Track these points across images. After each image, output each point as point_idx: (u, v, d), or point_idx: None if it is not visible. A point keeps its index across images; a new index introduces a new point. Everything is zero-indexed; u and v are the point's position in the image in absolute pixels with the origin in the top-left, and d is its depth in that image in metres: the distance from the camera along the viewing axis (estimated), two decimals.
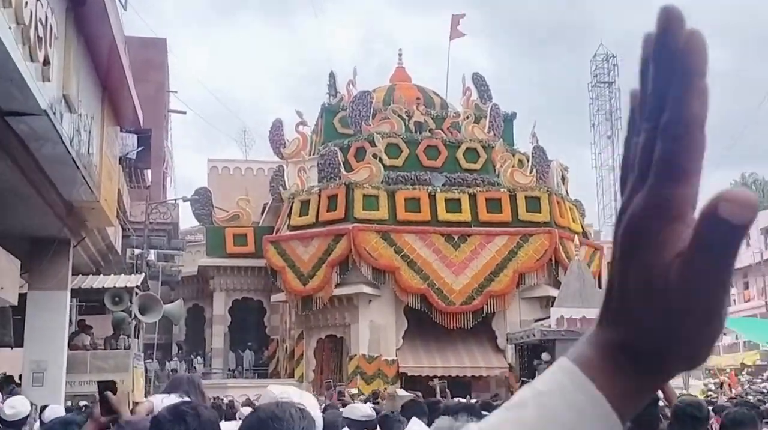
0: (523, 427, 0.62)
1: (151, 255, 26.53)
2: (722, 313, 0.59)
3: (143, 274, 20.50)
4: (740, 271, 50.44)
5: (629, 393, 0.63)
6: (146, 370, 21.73)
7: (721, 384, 24.43)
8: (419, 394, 17.66)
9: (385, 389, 23.82)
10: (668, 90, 0.58)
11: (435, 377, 25.63)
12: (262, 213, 34.11)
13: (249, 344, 34.45)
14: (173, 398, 5.31)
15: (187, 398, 5.21)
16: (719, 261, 0.57)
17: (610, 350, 0.63)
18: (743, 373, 38.87)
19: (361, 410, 6.58)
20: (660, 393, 6.09)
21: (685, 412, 4.56)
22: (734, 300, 51.51)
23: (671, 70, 0.58)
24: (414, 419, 4.31)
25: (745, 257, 49.80)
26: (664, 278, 0.58)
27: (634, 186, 0.61)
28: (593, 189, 61.38)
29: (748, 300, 50.22)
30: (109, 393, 3.62)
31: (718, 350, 47.68)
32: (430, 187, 28.50)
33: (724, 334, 48.37)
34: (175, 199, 31.97)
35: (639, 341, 0.61)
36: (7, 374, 16.04)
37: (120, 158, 22.43)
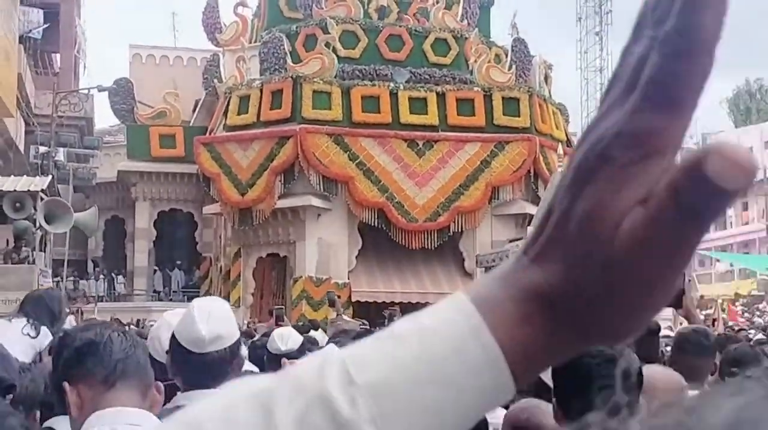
0: (395, 364, 0.59)
1: (60, 154, 25.75)
2: (669, 290, 0.56)
3: (50, 176, 19.95)
4: None
5: (533, 352, 0.59)
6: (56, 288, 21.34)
7: (713, 320, 24.77)
8: (365, 322, 17.62)
9: (336, 316, 23.85)
10: None
11: (393, 303, 25.73)
12: (194, 110, 33.52)
13: (178, 262, 34.21)
14: (18, 322, 5.03)
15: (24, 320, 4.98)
16: (688, 229, 0.54)
17: (524, 293, 0.59)
18: (737, 304, 39.73)
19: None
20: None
21: (689, 340, 4.49)
22: (731, 223, 52.40)
23: None
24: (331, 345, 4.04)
25: None
26: (613, 226, 0.55)
27: (616, 100, 0.57)
28: (577, 93, 61.28)
29: (746, 223, 51.05)
30: None
31: (710, 278, 48.69)
32: (391, 84, 28.03)
33: (718, 261, 49.30)
34: (89, 89, 31.04)
35: (561, 291, 0.57)
36: None
37: (21, 37, 21.55)
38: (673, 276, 0.56)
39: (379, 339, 0.62)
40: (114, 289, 32.75)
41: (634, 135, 0.55)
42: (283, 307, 22.92)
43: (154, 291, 33.17)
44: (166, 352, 3.12)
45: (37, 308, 5.64)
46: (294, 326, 14.06)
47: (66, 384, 2.37)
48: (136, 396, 2.39)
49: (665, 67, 0.54)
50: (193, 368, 2.90)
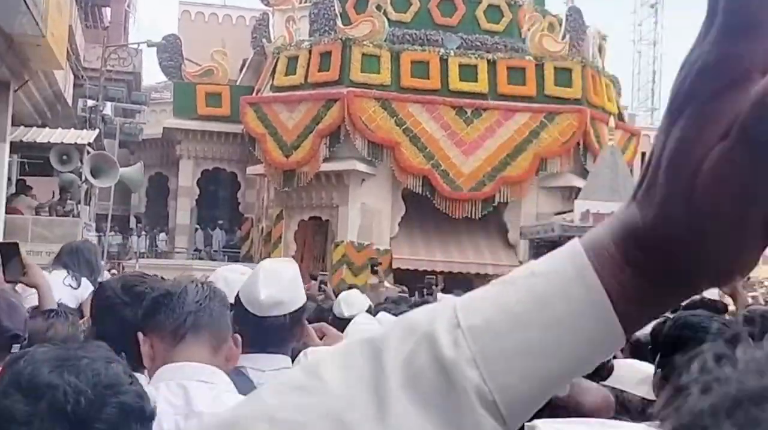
0: (502, 308, 0.60)
1: (108, 108, 25.73)
2: (757, 231, 0.55)
3: (97, 130, 19.93)
4: None
5: (637, 295, 0.59)
6: (100, 243, 21.43)
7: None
8: (405, 289, 17.48)
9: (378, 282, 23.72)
10: None
11: (433, 272, 25.55)
12: (241, 69, 33.37)
13: (219, 222, 34.24)
14: (58, 274, 4.97)
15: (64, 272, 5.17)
16: (760, 164, 0.53)
17: (623, 232, 0.59)
18: None
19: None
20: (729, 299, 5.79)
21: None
22: None
23: None
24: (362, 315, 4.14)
25: None
26: (696, 164, 0.55)
27: (701, 32, 0.56)
28: (628, 66, 60.22)
29: None
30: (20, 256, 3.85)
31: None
32: (442, 50, 27.61)
33: None
34: (138, 44, 30.98)
35: (653, 229, 0.58)
36: None
37: None
38: (757, 215, 0.54)
39: (493, 284, 0.63)
40: (156, 246, 32.83)
41: (716, 65, 0.54)
42: (326, 273, 22.82)
43: (195, 249, 33.22)
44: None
45: (75, 260, 5.55)
46: (333, 291, 13.96)
47: (140, 334, 2.36)
48: (206, 350, 2.34)
49: None
50: (252, 330, 2.81)
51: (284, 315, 2.88)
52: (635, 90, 57.21)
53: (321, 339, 3.41)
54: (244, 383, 2.61)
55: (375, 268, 22.61)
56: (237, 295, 2.94)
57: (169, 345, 2.33)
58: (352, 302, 5.56)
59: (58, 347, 1.45)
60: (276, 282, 2.89)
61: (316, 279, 19.84)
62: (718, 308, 4.69)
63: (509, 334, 0.59)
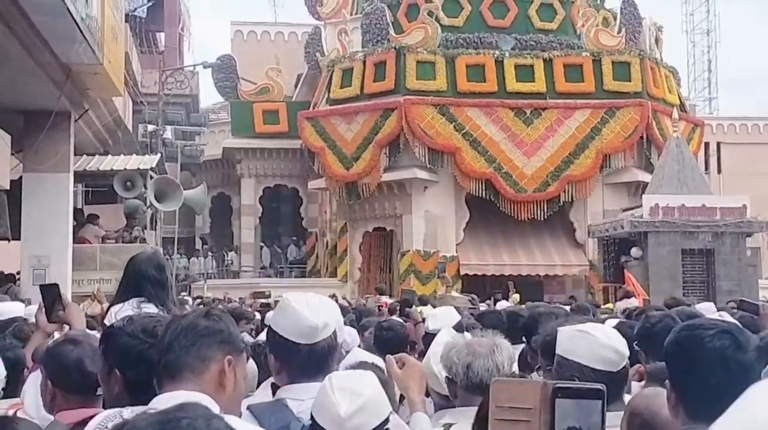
0: None
1: (168, 132, 25.80)
2: None
3: (159, 154, 19.86)
4: None
5: None
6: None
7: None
8: (474, 297, 17.12)
9: (445, 290, 23.42)
10: None
11: (502, 276, 25.16)
12: (296, 85, 33.25)
13: (284, 238, 34.20)
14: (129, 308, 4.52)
15: (148, 307, 4.71)
16: None
17: None
18: None
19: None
20: None
21: None
22: None
23: None
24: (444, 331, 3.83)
25: None
26: None
27: None
28: (683, 57, 59.06)
29: None
30: (61, 298, 4.02)
31: None
32: (496, 52, 27.22)
33: None
34: (194, 66, 31.02)
35: None
36: (5, 272, 15.76)
37: (127, 16, 21.49)
38: None
39: None
40: (224, 265, 32.87)
41: None
42: (384, 283, 22.56)
43: (262, 267, 33.19)
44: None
45: (145, 286, 5.00)
46: (398, 301, 13.67)
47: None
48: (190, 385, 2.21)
49: None
50: (303, 361, 2.80)
51: (330, 335, 2.85)
52: (691, 80, 56.12)
53: (401, 368, 3.22)
54: (282, 413, 2.71)
55: (442, 273, 22.39)
56: (273, 332, 2.90)
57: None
58: (438, 316, 5.42)
59: (157, 412, 1.37)
60: (313, 306, 2.86)
61: (383, 292, 19.64)
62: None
63: None
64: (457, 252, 26.56)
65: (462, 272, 26.15)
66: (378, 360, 4.22)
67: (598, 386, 1.29)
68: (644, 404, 2.62)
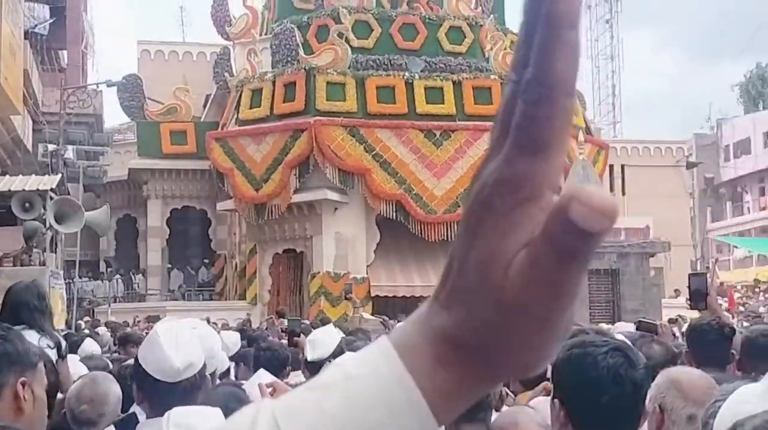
0: (324, 414, 0.62)
1: (69, 152, 25.03)
2: (562, 325, 0.60)
3: (59, 174, 19.21)
4: (756, 174, 50.17)
5: (451, 393, 0.63)
6: (70, 291, 20.73)
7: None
8: (386, 318, 16.97)
9: (353, 311, 23.23)
10: (533, 38, 0.58)
11: (412, 297, 25.06)
12: (205, 105, 32.85)
13: (192, 261, 33.58)
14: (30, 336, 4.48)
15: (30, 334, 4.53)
16: (567, 268, 0.58)
17: (436, 337, 0.62)
18: (756, 290, 38.91)
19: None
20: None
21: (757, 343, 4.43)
22: (748, 208, 51.47)
23: (537, 13, 0.58)
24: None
25: (762, 158, 49.49)
26: (503, 270, 0.59)
27: (495, 144, 0.60)
28: (588, 82, 60.30)
29: (764, 208, 50.06)
30: None
31: (729, 264, 47.81)
32: (406, 74, 27.25)
33: (736, 247, 48.37)
34: (98, 84, 30.33)
35: (466, 333, 0.61)
36: None
37: (27, 33, 20.85)
38: (563, 311, 0.58)
39: (308, 389, 0.64)
40: (132, 289, 32.08)
41: (509, 182, 0.57)
42: (291, 306, 22.25)
43: (170, 290, 32.50)
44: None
45: (31, 313, 4.86)
46: (311, 324, 13.39)
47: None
48: None
49: (529, 114, 0.57)
50: (163, 398, 2.81)
51: (195, 375, 2.89)
52: (596, 104, 57.43)
53: (272, 394, 3.23)
54: None
55: (349, 294, 22.12)
56: (138, 363, 2.92)
57: None
58: (316, 344, 5.31)
59: None
60: (181, 344, 2.89)
61: (283, 315, 19.30)
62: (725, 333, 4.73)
63: None
64: (367, 273, 26.41)
65: (373, 294, 25.99)
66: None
67: None
68: (512, 421, 2.62)
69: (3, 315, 4.82)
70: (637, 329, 6.42)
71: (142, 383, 2.91)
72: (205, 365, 3.02)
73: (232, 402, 3.24)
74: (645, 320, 6.93)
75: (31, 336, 4.60)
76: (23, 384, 2.15)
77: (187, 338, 2.96)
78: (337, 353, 5.04)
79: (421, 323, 0.62)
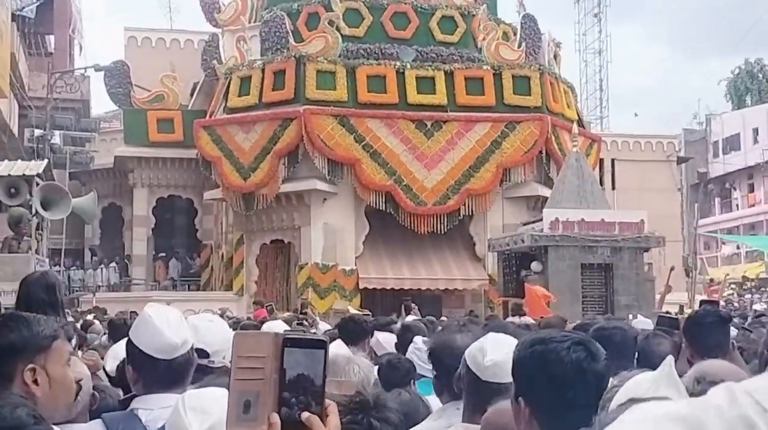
0: None
1: (56, 137, 24.72)
2: None
3: (46, 160, 18.96)
4: (745, 171, 50.27)
5: None
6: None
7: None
8: (369, 313, 16.72)
9: (343, 302, 23.03)
10: None
11: (401, 290, 24.87)
12: (192, 93, 32.44)
13: (177, 250, 33.31)
14: None
15: None
16: None
17: None
18: (744, 287, 39.00)
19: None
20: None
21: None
22: (737, 205, 51.56)
23: None
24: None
25: (751, 155, 49.57)
26: None
27: None
28: (576, 76, 60.19)
29: (753, 205, 50.21)
30: None
31: (716, 261, 47.89)
32: (397, 63, 27.00)
33: (723, 243, 48.44)
34: (85, 68, 29.96)
35: None
36: None
37: (13, 16, 20.55)
38: None
39: None
40: (121, 277, 31.81)
41: None
42: (272, 303, 21.81)
43: (154, 280, 32.21)
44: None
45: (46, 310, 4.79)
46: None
47: None
48: None
49: None
50: (160, 374, 2.93)
51: (188, 351, 2.99)
52: (584, 99, 57.28)
53: None
54: (131, 423, 2.84)
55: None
56: (132, 345, 3.01)
57: None
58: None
59: None
60: (173, 324, 2.98)
61: (260, 305, 18.95)
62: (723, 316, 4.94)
63: None
64: (356, 265, 26.19)
65: (361, 286, 25.79)
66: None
67: (323, 337, 1.38)
68: (505, 420, 2.61)
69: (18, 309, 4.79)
70: (657, 324, 6.26)
71: (138, 362, 2.96)
72: (194, 346, 3.13)
73: None
74: (665, 315, 6.81)
75: None
76: (32, 370, 2.20)
77: (175, 317, 3.05)
78: None
79: None
